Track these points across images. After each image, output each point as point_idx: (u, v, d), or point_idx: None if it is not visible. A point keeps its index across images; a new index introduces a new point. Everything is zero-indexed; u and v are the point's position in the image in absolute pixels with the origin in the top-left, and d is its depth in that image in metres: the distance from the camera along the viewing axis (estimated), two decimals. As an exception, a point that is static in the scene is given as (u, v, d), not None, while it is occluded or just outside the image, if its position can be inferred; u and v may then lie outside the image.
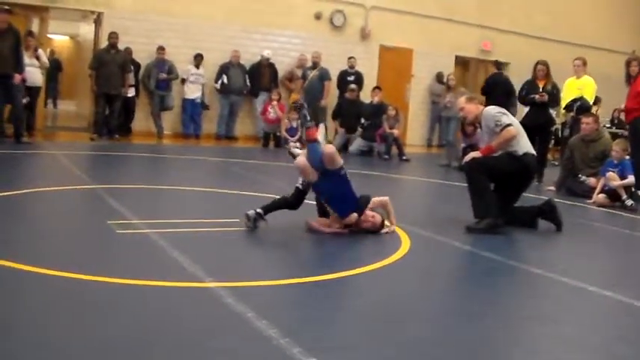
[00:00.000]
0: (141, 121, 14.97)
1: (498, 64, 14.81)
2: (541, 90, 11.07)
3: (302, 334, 3.48)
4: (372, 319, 3.93)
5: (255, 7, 15.93)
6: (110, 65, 13.35)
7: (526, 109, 11.43)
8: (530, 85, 11.26)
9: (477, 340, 3.73)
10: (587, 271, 5.62)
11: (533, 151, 7.02)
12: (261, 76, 15.76)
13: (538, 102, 11.00)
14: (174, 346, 3.26)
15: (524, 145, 6.86)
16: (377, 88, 15.56)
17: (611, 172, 9.16)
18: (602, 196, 9.19)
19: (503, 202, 6.85)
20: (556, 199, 7.55)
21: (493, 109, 7.00)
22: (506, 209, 6.93)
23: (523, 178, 6.98)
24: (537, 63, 11.35)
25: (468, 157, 6.89)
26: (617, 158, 9.30)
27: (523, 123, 11.29)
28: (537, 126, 11.09)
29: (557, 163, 13.04)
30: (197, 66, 15.18)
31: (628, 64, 9.60)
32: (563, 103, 11.62)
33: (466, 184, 6.86)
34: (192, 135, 15.31)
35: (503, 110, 6.99)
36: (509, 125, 6.70)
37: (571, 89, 11.57)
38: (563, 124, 12.47)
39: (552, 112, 11.72)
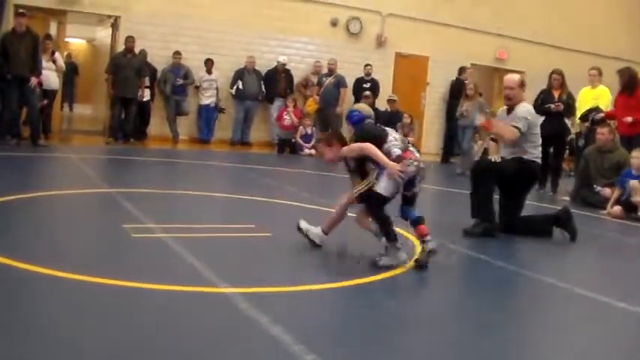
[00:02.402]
0: (156, 125, 15.02)
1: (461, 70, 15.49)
2: (556, 99, 11.05)
3: (316, 341, 3.49)
4: (386, 326, 3.94)
5: (271, 14, 15.98)
6: (127, 69, 13.43)
7: (541, 119, 11.36)
8: (545, 95, 11.22)
9: (488, 349, 3.73)
10: (601, 282, 5.60)
11: (539, 161, 7.14)
12: (276, 82, 15.78)
13: (554, 111, 10.97)
14: (189, 350, 3.28)
15: (534, 155, 7.00)
16: (391, 100, 15.60)
17: (634, 181, 9.05)
18: (618, 207, 9.10)
19: (509, 209, 7.06)
20: (570, 209, 7.53)
21: (529, 108, 7.08)
22: (516, 217, 7.10)
23: (526, 181, 7.13)
24: (552, 72, 11.33)
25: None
26: (637, 167, 9.16)
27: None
28: (552, 135, 11.07)
29: (572, 174, 12.99)
30: (209, 71, 15.21)
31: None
32: (578, 113, 11.58)
33: (472, 187, 7.02)
34: (208, 140, 15.37)
35: (535, 116, 7.15)
36: (517, 129, 6.81)
37: (586, 99, 11.53)
38: (578, 134, 12.44)
39: (567, 122, 11.67)
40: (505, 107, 7.30)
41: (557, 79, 11.19)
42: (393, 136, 5.42)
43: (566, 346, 3.88)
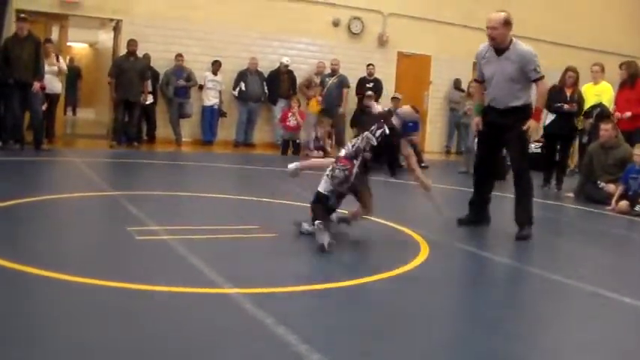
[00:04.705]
0: (160, 128, 15.02)
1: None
2: (568, 98, 10.96)
3: (321, 341, 3.48)
4: (391, 325, 3.92)
5: (273, 15, 15.99)
6: (129, 73, 13.43)
7: (551, 116, 11.20)
8: (557, 92, 11.01)
9: (494, 346, 3.72)
10: (607, 278, 5.57)
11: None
12: (279, 83, 15.79)
13: (566, 111, 10.91)
14: (193, 352, 3.27)
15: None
16: (396, 98, 15.52)
17: None
18: (624, 203, 9.07)
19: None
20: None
21: (529, 48, 6.72)
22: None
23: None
24: (568, 69, 11.12)
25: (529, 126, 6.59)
26: (639, 163, 9.18)
27: (547, 131, 11.21)
28: (561, 134, 11.04)
29: (576, 170, 12.97)
30: (214, 72, 15.22)
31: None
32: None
33: (520, 187, 6.83)
34: (211, 142, 15.37)
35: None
36: (541, 78, 6.60)
37: (589, 95, 11.46)
38: (582, 131, 12.41)
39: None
40: (488, 45, 6.83)
41: (572, 77, 11.04)
42: (353, 142, 6.07)
43: (570, 343, 3.87)
